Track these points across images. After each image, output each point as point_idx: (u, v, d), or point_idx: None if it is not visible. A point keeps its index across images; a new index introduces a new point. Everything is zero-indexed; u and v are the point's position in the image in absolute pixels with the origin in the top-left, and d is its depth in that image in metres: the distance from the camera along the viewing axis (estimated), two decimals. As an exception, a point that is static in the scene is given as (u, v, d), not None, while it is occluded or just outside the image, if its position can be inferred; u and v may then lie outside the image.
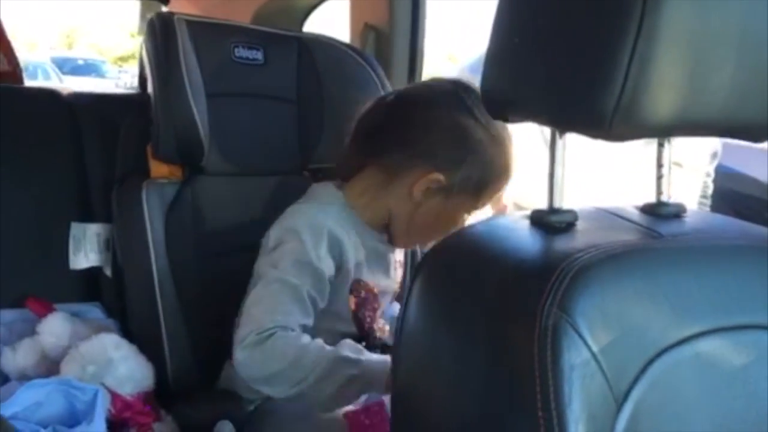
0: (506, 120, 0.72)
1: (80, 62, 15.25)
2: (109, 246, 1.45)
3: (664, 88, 0.60)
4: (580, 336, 0.55)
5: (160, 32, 1.29)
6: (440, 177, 1.13)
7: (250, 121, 1.46)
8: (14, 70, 1.54)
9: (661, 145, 0.77)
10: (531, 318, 0.55)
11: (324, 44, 1.53)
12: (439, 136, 1.13)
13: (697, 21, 0.59)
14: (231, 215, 1.44)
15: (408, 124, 1.16)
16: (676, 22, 0.58)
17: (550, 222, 0.69)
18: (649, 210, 0.77)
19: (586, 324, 0.56)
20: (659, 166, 0.78)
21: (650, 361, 0.60)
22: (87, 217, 1.45)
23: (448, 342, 0.61)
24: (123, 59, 16.66)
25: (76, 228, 1.41)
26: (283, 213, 1.21)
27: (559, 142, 0.69)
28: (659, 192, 0.78)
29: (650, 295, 0.63)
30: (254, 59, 1.46)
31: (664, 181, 0.78)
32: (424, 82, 1.42)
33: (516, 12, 0.66)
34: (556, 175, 0.70)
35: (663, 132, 0.64)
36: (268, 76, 1.48)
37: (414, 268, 0.71)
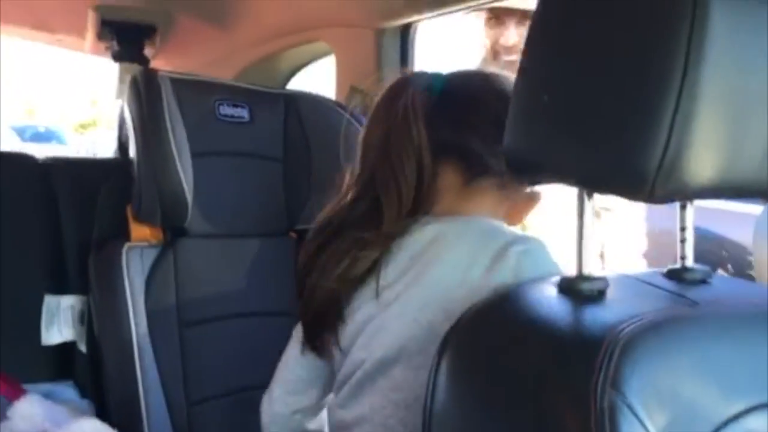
0: (533, 183, 0.68)
1: (41, 129, 15.19)
2: (84, 320, 1.37)
3: (707, 148, 0.57)
4: (638, 418, 0.51)
5: (145, 90, 1.24)
6: None
7: (235, 181, 1.41)
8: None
9: (683, 208, 0.73)
10: (584, 398, 0.50)
11: (311, 100, 1.50)
12: None
13: (737, 78, 0.57)
14: (215, 279, 1.37)
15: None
16: (718, 79, 0.56)
17: (581, 290, 0.64)
18: (675, 276, 0.73)
19: (641, 404, 0.51)
20: (682, 229, 0.75)
21: (706, 441, 0.55)
22: (61, 289, 1.37)
23: (486, 424, 0.55)
24: (84, 126, 16.62)
25: (49, 300, 1.32)
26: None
27: (588, 206, 0.65)
28: (683, 257, 0.75)
29: (697, 369, 0.58)
30: (239, 117, 1.42)
31: (687, 245, 0.75)
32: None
33: (546, 68, 0.62)
34: (585, 239, 0.66)
35: (705, 193, 0.60)
36: (253, 135, 1.44)
37: (439, 346, 0.65)
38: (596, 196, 0.66)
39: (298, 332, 0.97)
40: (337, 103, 1.54)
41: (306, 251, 0.93)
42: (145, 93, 1.24)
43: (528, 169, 0.67)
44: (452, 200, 0.91)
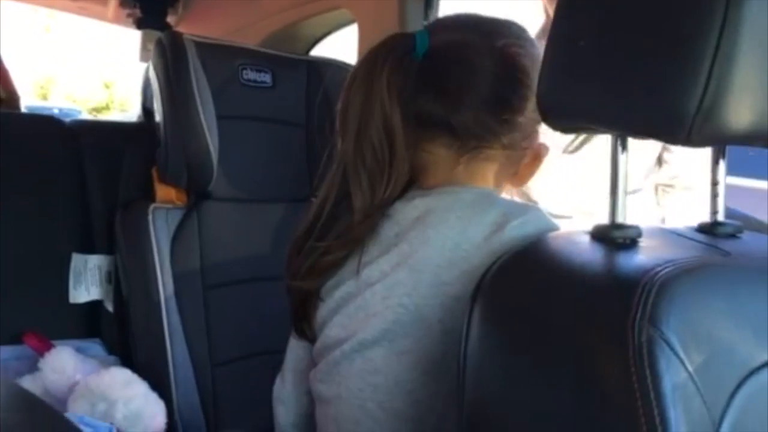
0: (566, 130, 0.68)
1: (56, 111, 15.24)
2: (111, 279, 1.38)
3: (747, 91, 0.56)
4: (675, 354, 0.51)
5: (171, 51, 1.24)
6: None
7: (258, 146, 1.42)
8: (12, 98, 1.48)
9: (716, 162, 0.73)
10: (621, 334, 0.50)
11: (333, 67, 1.50)
12: None
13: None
14: (237, 243, 1.38)
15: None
16: (759, 21, 0.55)
17: (614, 237, 0.65)
18: (707, 229, 0.73)
19: (678, 341, 0.52)
20: (714, 184, 0.74)
21: (740, 384, 0.55)
22: (88, 248, 1.38)
23: (523, 369, 0.56)
24: (97, 110, 16.67)
25: (77, 259, 1.34)
26: None
27: (621, 154, 0.65)
28: (714, 211, 0.75)
29: (732, 314, 0.58)
30: (262, 82, 1.42)
31: (719, 200, 0.75)
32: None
33: (581, 13, 0.62)
34: (619, 188, 0.66)
35: (743, 139, 0.60)
36: (276, 100, 1.44)
37: (470, 298, 0.65)
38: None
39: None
40: (359, 69, 1.53)
41: (288, 254, 0.86)
42: (171, 54, 1.24)
43: (563, 117, 0.67)
44: (445, 172, 0.83)
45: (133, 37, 1.93)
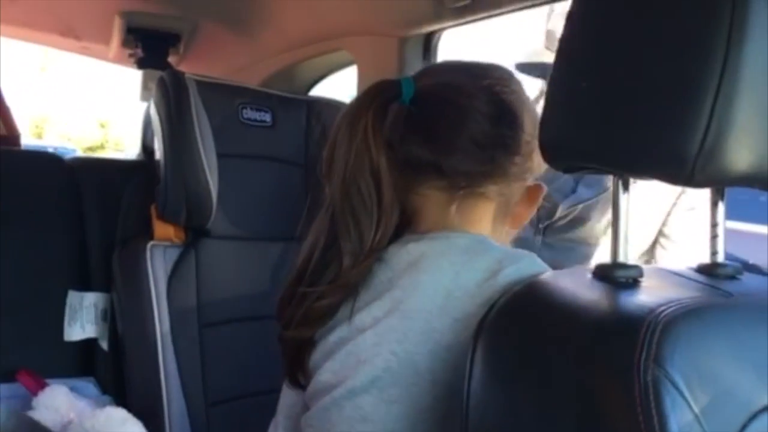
0: (568, 170, 0.68)
1: (50, 150, 15.23)
2: (106, 317, 1.37)
3: (748, 132, 0.57)
4: (681, 394, 0.50)
5: (172, 89, 1.25)
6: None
7: (257, 184, 1.42)
8: (12, 134, 1.49)
9: (714, 204, 0.73)
10: (627, 374, 0.50)
11: (333, 107, 1.52)
12: None
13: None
14: (235, 281, 1.38)
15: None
16: (760, 62, 0.56)
17: (615, 277, 0.65)
18: (706, 271, 0.73)
19: (683, 381, 0.51)
20: (713, 225, 0.75)
21: (743, 428, 0.55)
22: (84, 286, 1.37)
23: (527, 407, 0.55)
24: (92, 149, 16.74)
25: (73, 297, 1.33)
26: None
27: (623, 194, 0.66)
28: (714, 252, 0.75)
29: (735, 355, 0.58)
30: (262, 121, 1.43)
31: (719, 241, 0.75)
32: None
33: (583, 54, 0.63)
34: (620, 228, 0.66)
35: (744, 180, 0.60)
36: (276, 139, 1.45)
37: (474, 336, 0.65)
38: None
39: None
40: (359, 110, 1.55)
41: (279, 303, 0.86)
42: (173, 92, 1.25)
43: (565, 157, 0.67)
44: (438, 214, 0.82)
45: (130, 76, 1.95)
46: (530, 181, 0.86)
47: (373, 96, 0.82)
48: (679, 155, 0.57)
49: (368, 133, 0.79)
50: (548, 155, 0.68)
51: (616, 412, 0.49)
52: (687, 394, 0.50)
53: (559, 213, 1.40)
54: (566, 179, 1.25)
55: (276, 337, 1.39)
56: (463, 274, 0.75)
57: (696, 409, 0.50)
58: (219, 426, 1.32)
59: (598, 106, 0.62)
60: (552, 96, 0.66)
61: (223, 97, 1.39)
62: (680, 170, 0.57)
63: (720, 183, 0.60)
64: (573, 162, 0.67)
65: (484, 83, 0.83)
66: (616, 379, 0.50)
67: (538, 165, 0.85)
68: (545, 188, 0.88)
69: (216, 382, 1.33)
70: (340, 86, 1.93)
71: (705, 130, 0.56)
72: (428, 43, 1.55)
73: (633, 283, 0.65)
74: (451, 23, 1.46)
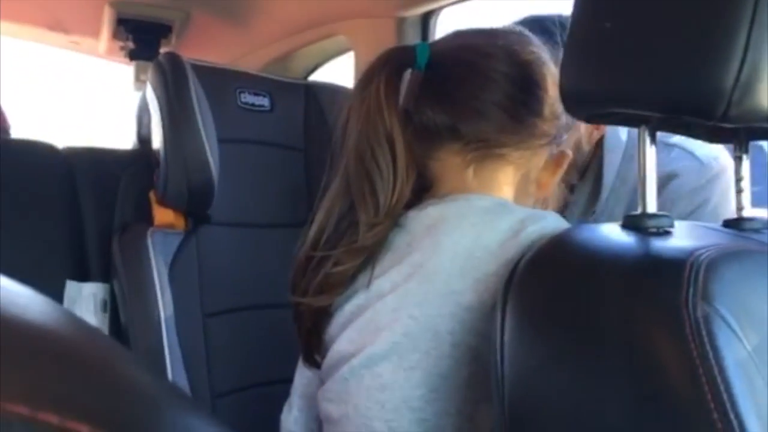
0: (590, 118, 0.66)
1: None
2: (106, 307, 1.33)
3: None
4: (733, 331, 0.48)
5: (171, 72, 1.22)
6: None
7: (257, 170, 1.40)
8: (1, 125, 1.45)
9: (738, 158, 0.71)
10: (676, 312, 0.47)
11: (331, 90, 1.49)
12: None
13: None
14: (236, 269, 1.35)
15: None
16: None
17: (647, 226, 0.62)
18: (734, 225, 0.71)
19: (734, 318, 0.49)
20: (738, 180, 0.72)
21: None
22: (82, 276, 1.33)
23: (568, 351, 0.52)
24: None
25: (71, 287, 1.29)
26: None
27: (650, 146, 0.63)
28: (740, 207, 0.73)
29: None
30: (260, 105, 1.41)
31: (744, 195, 0.73)
32: None
33: (605, -6, 0.60)
34: (648, 177, 0.64)
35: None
36: (274, 124, 1.42)
37: (503, 288, 0.62)
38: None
39: None
40: (358, 92, 1.52)
41: (294, 274, 0.81)
42: (171, 74, 1.22)
43: (588, 103, 0.64)
44: (457, 179, 0.80)
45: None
46: (554, 149, 0.83)
47: (385, 61, 0.79)
48: (714, 89, 0.54)
49: (380, 98, 0.77)
50: (570, 103, 0.65)
51: (667, 349, 0.46)
52: (738, 331, 0.48)
53: None
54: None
55: (278, 324, 1.37)
56: (485, 234, 0.73)
57: (748, 347, 0.48)
58: (225, 417, 1.28)
59: (625, 46, 0.59)
60: (573, 40, 0.63)
61: (220, 81, 1.37)
62: (716, 105, 0.55)
63: (755, 119, 0.57)
64: (596, 109, 0.64)
65: (502, 44, 0.80)
66: (663, 318, 0.48)
67: (562, 129, 0.83)
68: (570, 155, 0.85)
69: (221, 372, 1.30)
70: (337, 74, 1.90)
71: (740, 63, 0.53)
72: (426, 23, 1.53)
73: (664, 233, 0.62)
74: (450, 0, 1.43)
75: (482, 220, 0.74)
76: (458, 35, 0.84)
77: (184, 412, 0.22)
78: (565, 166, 0.85)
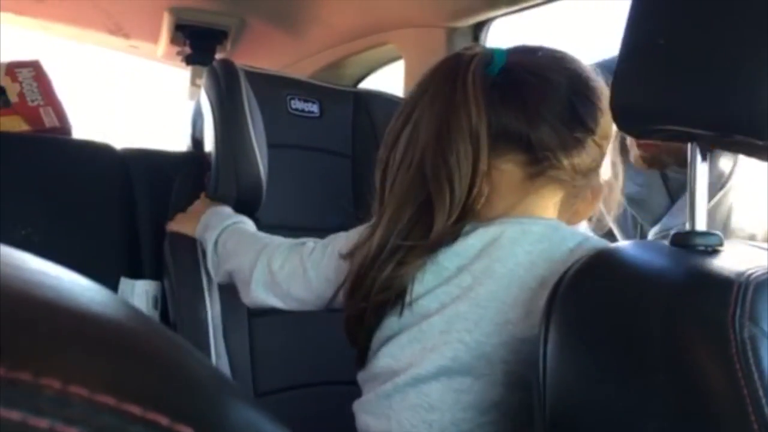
0: (641, 135, 0.66)
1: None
2: (157, 304, 1.37)
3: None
4: (779, 354, 0.47)
5: (224, 78, 1.25)
6: None
7: (305, 175, 1.42)
8: (63, 126, 1.50)
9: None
10: (722, 331, 0.47)
11: (380, 99, 1.51)
12: None
13: None
14: (283, 272, 1.36)
15: None
16: None
17: (695, 244, 0.62)
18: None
19: (781, 342, 0.48)
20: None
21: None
22: (136, 273, 1.38)
23: (610, 367, 0.52)
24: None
25: (124, 283, 1.33)
26: None
27: (702, 163, 0.63)
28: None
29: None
30: (310, 112, 1.43)
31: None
32: None
33: (661, 9, 0.60)
34: (698, 196, 0.64)
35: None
36: (323, 130, 1.44)
37: (548, 300, 0.62)
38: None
39: None
40: (407, 101, 1.54)
41: (354, 276, 0.81)
42: (224, 80, 1.25)
43: (639, 120, 0.65)
44: (510, 198, 0.79)
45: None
46: (596, 180, 0.83)
47: (469, 59, 0.78)
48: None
49: (468, 93, 0.75)
50: (622, 119, 0.66)
51: (711, 368, 0.46)
52: (785, 353, 0.48)
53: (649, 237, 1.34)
54: (659, 203, 1.17)
55: (324, 326, 1.38)
56: (539, 263, 0.73)
57: (793, 369, 0.47)
58: (267, 417, 1.30)
59: (678, 64, 0.59)
60: (625, 56, 0.64)
61: (271, 87, 1.39)
62: (769, 126, 0.54)
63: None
64: (647, 125, 0.64)
65: (567, 65, 0.81)
66: (709, 336, 0.48)
67: (605, 163, 0.82)
68: (608, 190, 0.84)
69: (264, 372, 1.32)
70: (387, 82, 1.92)
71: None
72: (477, 34, 1.54)
73: (713, 252, 0.62)
74: (501, 11, 1.44)
75: (537, 249, 0.74)
76: (528, 49, 0.83)
77: (244, 404, 0.23)
78: (600, 199, 0.84)
